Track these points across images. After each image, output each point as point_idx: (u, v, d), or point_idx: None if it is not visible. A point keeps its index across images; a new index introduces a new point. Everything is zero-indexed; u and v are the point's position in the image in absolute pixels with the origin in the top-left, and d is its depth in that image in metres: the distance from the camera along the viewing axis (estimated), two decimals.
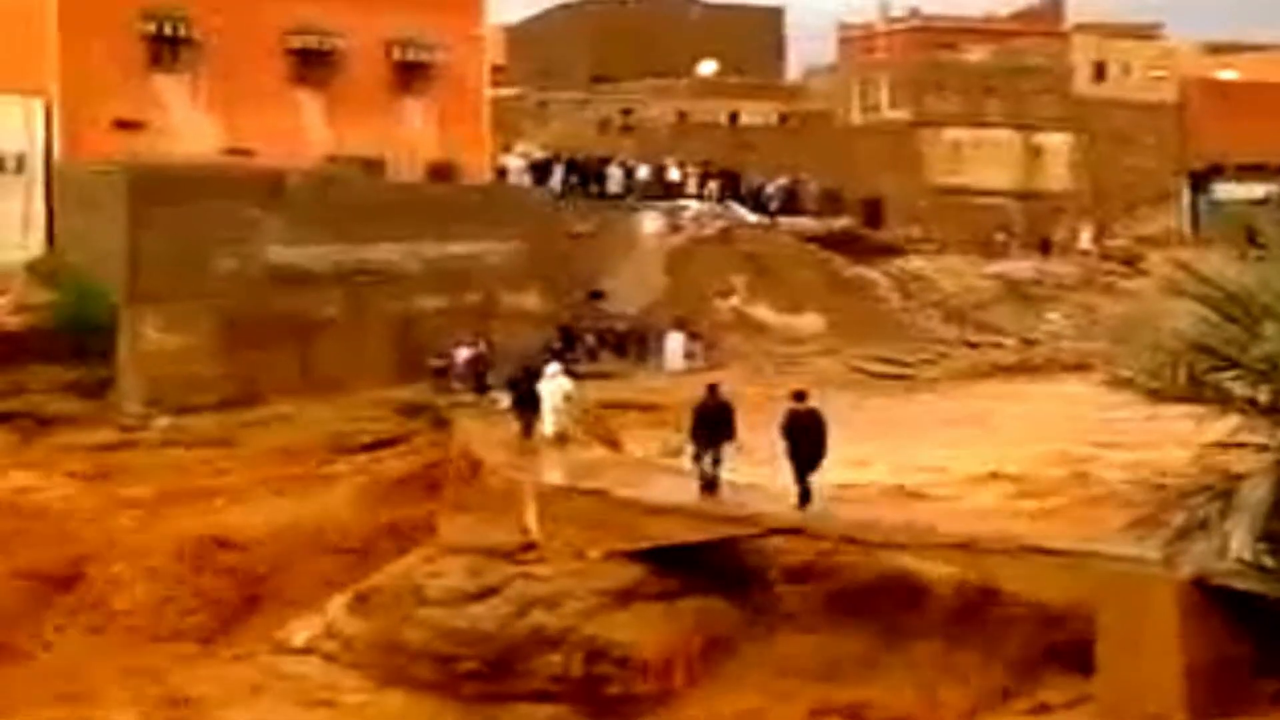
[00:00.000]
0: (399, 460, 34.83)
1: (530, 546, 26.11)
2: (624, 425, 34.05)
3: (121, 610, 29.82)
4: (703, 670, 23.49)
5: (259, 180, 40.23)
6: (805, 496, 23.39)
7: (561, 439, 30.01)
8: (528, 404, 30.45)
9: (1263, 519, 15.44)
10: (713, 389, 25.98)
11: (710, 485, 24.88)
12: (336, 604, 27.35)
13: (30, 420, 36.40)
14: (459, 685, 24.73)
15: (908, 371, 45.37)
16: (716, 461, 24.74)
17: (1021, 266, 57.57)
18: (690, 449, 25.41)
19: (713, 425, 24.82)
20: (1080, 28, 76.39)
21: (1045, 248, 60.81)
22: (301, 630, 27.33)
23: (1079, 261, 59.67)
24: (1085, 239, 62.54)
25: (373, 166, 44.44)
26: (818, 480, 23.55)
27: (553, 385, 30.20)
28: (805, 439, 23.28)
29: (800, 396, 24.31)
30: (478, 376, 38.30)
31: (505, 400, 31.08)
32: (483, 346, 39.24)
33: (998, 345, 50.33)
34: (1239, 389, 15.87)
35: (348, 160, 43.93)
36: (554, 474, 28.45)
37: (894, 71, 67.37)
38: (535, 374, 30.87)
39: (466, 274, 41.69)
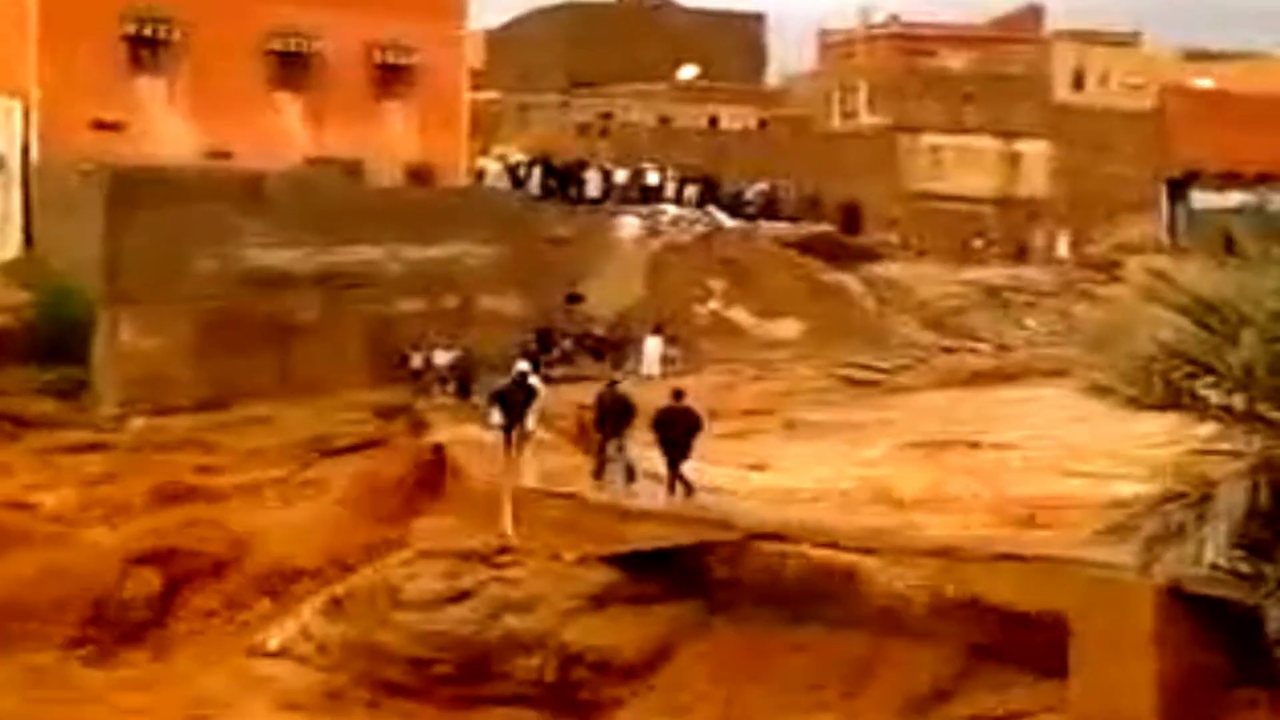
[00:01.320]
0: (376, 463, 34.70)
1: (505, 550, 26.09)
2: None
3: (94, 613, 29.72)
4: (675, 674, 23.49)
5: (238, 182, 40.16)
6: (687, 487, 25.49)
7: (525, 436, 30.13)
8: (517, 418, 28.45)
9: (1238, 525, 15.49)
10: (612, 384, 28.59)
11: (602, 470, 26.65)
12: (311, 607, 27.31)
13: (6, 421, 36.29)
14: (433, 689, 24.72)
15: (883, 377, 45.41)
16: (620, 449, 26.60)
17: (998, 273, 57.66)
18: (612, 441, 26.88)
19: (614, 417, 26.79)
20: (1059, 35, 76.49)
21: (1022, 254, 60.94)
22: (276, 633, 27.30)
23: (1056, 268, 59.80)
24: (1062, 246, 62.66)
25: (352, 169, 44.39)
26: (688, 469, 25.66)
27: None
28: (675, 433, 25.49)
29: (678, 395, 26.64)
30: (460, 380, 38.19)
31: (497, 416, 28.71)
32: (460, 351, 39.13)
33: (974, 351, 50.43)
34: (1215, 396, 15.92)
35: (327, 163, 43.88)
36: (530, 478, 28.38)
37: (873, 77, 67.42)
38: (525, 385, 29.52)
39: (444, 277, 41.65)
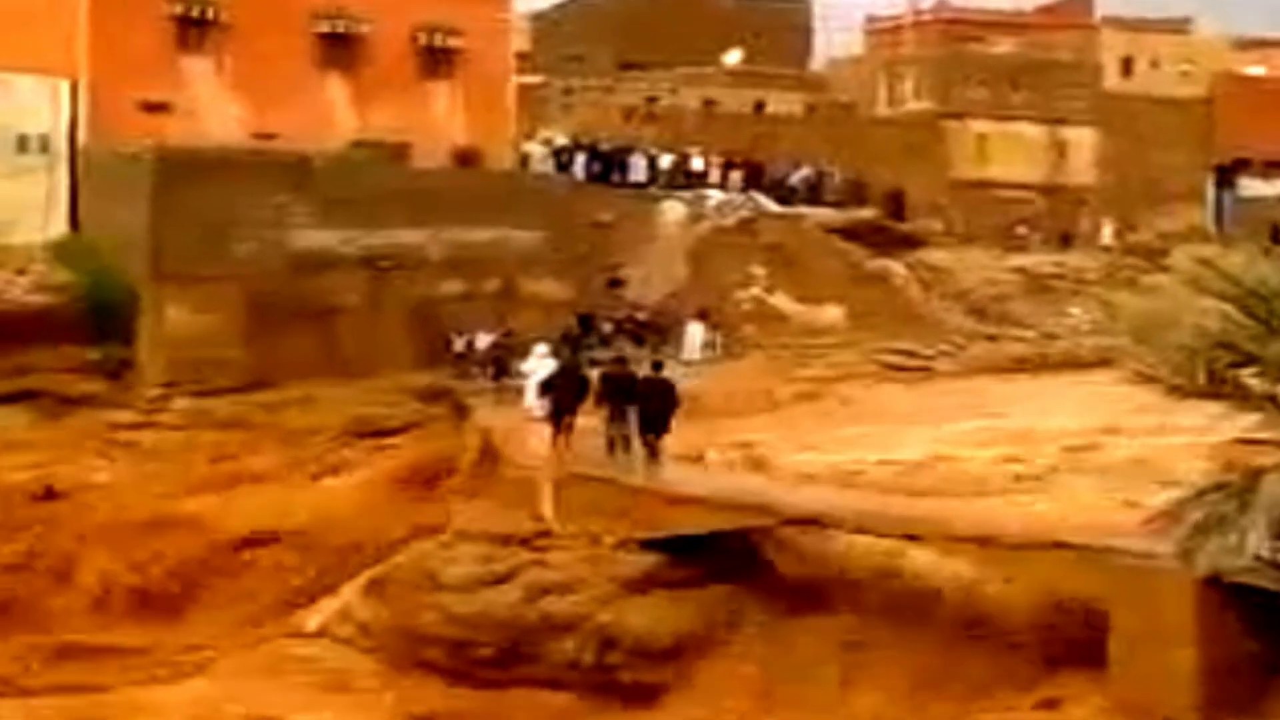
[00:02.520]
0: (418, 445, 34.84)
1: (545, 533, 26.14)
2: None
3: (138, 591, 29.91)
4: (713, 659, 23.51)
5: (284, 164, 40.26)
6: (653, 454, 26.54)
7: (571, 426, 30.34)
8: (567, 408, 27.91)
9: None
10: (620, 360, 30.03)
11: (613, 445, 27.25)
12: (351, 588, 27.42)
13: (50, 399, 36.54)
14: (472, 670, 24.79)
15: (926, 364, 45.32)
16: (624, 423, 27.14)
17: (1043, 260, 57.39)
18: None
19: (622, 394, 27.39)
20: (1109, 22, 76.06)
21: (1066, 241, 60.64)
22: (315, 614, 27.41)
23: (1101, 256, 59.47)
24: (1108, 233, 62.31)
25: (398, 151, 44.44)
26: (667, 441, 26.89)
27: (540, 364, 30.71)
28: (654, 403, 26.77)
29: (658, 366, 28.87)
30: (496, 362, 38.22)
31: (540, 408, 28.34)
32: (500, 334, 39.13)
33: (1018, 339, 50.25)
34: (1259, 385, 15.84)
35: (373, 145, 43.93)
36: (570, 462, 28.36)
37: (920, 63, 67.11)
38: (574, 375, 29.17)
39: (488, 260, 41.69)
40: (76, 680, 26.95)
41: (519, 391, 31.77)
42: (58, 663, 28.02)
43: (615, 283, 45.26)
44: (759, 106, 63.39)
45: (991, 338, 49.82)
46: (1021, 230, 59.99)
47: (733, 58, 68.50)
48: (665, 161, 51.92)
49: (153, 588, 29.92)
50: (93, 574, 30.12)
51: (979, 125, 62.97)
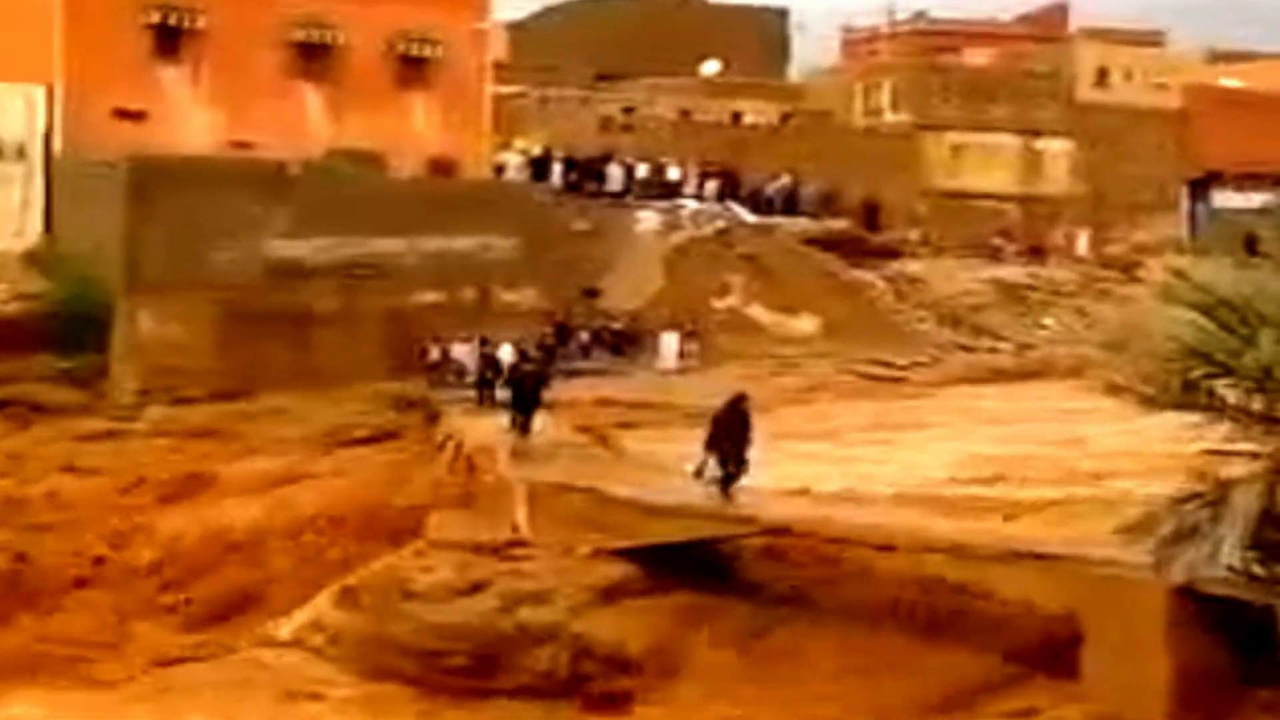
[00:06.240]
0: (393, 454, 34.74)
1: (519, 543, 26.10)
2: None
3: (109, 600, 29.79)
4: (687, 668, 23.48)
5: (259, 173, 40.17)
6: (525, 428, 31.04)
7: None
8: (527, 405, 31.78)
9: (1253, 527, 15.44)
10: (524, 356, 35.93)
11: (524, 428, 31.14)
12: (324, 597, 27.31)
13: (24, 408, 36.41)
14: (445, 680, 24.72)
15: (900, 374, 45.38)
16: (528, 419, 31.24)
17: (1018, 271, 57.50)
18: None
19: (525, 390, 31.71)
20: (1083, 33, 76.22)
21: (1042, 252, 60.70)
22: (288, 623, 27.30)
23: (1076, 267, 59.59)
24: (1083, 244, 62.44)
25: (373, 160, 44.38)
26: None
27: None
28: (526, 388, 31.65)
29: (525, 358, 35.47)
30: (482, 376, 37.70)
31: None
32: (482, 344, 38.86)
33: (993, 349, 50.35)
34: (1232, 396, 15.87)
35: (348, 154, 43.85)
36: (545, 471, 28.38)
37: (896, 74, 67.17)
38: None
39: (463, 270, 41.62)
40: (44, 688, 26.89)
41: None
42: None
43: (591, 292, 45.24)
44: (736, 117, 63.41)
45: (966, 348, 49.90)
46: (998, 241, 60.10)
47: (710, 68, 68.54)
48: (642, 171, 51.92)
49: (124, 597, 29.78)
50: (55, 580, 29.96)
51: (954, 136, 63.05)
